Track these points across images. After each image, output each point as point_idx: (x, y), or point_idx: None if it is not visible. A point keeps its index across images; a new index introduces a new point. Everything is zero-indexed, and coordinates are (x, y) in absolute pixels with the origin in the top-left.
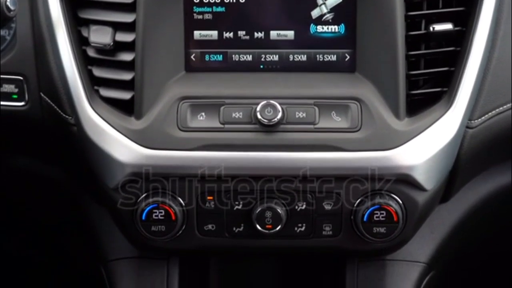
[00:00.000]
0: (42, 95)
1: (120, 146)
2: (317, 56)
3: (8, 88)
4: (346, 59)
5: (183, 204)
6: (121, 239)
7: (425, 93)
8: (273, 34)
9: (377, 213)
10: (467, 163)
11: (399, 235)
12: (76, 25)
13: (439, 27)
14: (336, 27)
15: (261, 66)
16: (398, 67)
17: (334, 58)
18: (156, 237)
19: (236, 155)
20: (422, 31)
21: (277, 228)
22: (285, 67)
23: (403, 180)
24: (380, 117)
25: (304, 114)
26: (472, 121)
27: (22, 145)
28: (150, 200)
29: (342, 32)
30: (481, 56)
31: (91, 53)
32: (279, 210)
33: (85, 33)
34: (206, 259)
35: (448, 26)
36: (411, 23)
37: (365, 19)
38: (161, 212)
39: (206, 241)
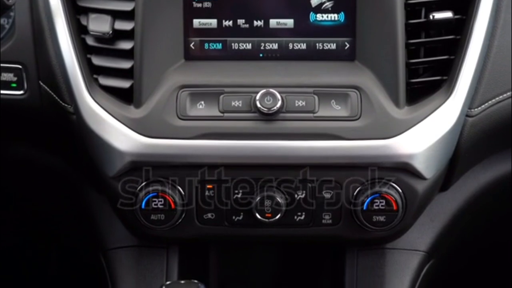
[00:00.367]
0: (41, 83)
1: (119, 135)
2: (317, 44)
3: (7, 76)
4: (346, 48)
5: (183, 192)
6: (121, 228)
7: (425, 82)
8: (273, 22)
9: (376, 202)
10: (467, 152)
11: (399, 223)
12: (75, 13)
13: (439, 15)
14: (335, 15)
15: (261, 55)
16: (398, 55)
17: (333, 46)
18: (156, 226)
19: (236, 143)
20: (422, 20)
21: (277, 217)
22: (285, 55)
23: (403, 169)
24: (380, 106)
25: (303, 103)
26: (472, 110)
27: (21, 134)
28: (150, 188)
29: (342, 21)
30: (481, 45)
31: (90, 41)
32: (278, 199)
33: (84, 22)
34: (206, 248)
35: (448, 14)
36: (411, 11)
37: (365, 7)
38: (161, 201)
39: (206, 230)
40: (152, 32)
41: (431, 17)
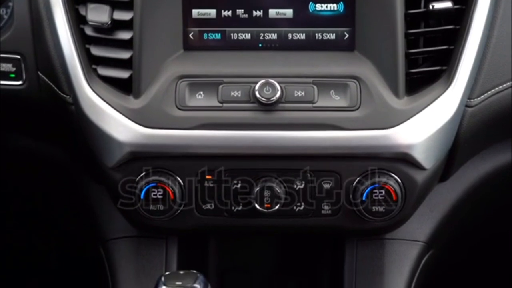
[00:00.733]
0: (40, 74)
1: (118, 125)
2: (316, 34)
3: (6, 67)
4: (345, 38)
5: (182, 183)
6: (120, 218)
7: (425, 72)
8: (272, 12)
9: (376, 192)
10: (466, 142)
11: (398, 214)
12: (74, 3)
13: (438, 5)
14: (335, 5)
15: (260, 45)
16: (397, 45)
17: (333, 36)
18: (155, 216)
19: (235, 134)
20: (422, 9)
21: (276, 207)
22: (284, 45)
23: (402, 159)
24: (379, 96)
25: (303, 93)
26: (472, 100)
27: (20, 124)
28: (149, 179)
29: (341, 11)
30: (481, 35)
31: (88, 31)
32: (277, 189)
33: (82, 12)
34: (205, 238)
35: (447, 4)
36: (410, 1)
37: None
38: (160, 191)
39: (205, 220)
40: (151, 22)
41: (430, 7)
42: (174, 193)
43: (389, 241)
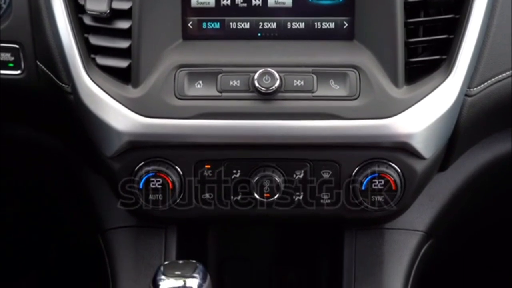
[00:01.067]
0: (39, 63)
1: (117, 115)
2: (315, 23)
3: (4, 56)
4: (345, 27)
5: (181, 172)
6: (119, 208)
7: (424, 61)
8: (271, 1)
9: (375, 182)
10: (466, 131)
11: (398, 203)
12: None
13: None
14: None
15: (259, 34)
16: (397, 34)
17: (332, 26)
18: (154, 206)
19: (234, 123)
20: None
21: (275, 197)
22: (283, 35)
23: (402, 148)
24: (379, 85)
25: (302, 82)
26: (471, 89)
27: (19, 114)
28: (148, 168)
29: (340, 0)
30: (481, 24)
31: (87, 21)
32: (277, 179)
33: (81, 1)
34: (204, 228)
35: None
36: None
37: None
38: (159, 181)
39: (204, 210)
40: (149, 11)
41: None
42: (173, 182)
43: (388, 230)
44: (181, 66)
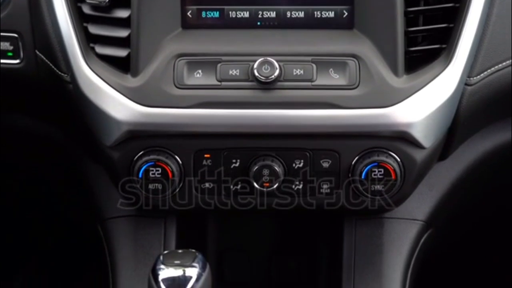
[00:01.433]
0: (37, 52)
1: (116, 104)
2: (315, 12)
3: (3, 45)
4: (344, 16)
5: (180, 162)
6: (118, 197)
7: (424, 50)
8: None
9: (375, 171)
10: (466, 121)
11: (397, 193)
12: None
13: None
14: None
15: (258, 23)
16: (397, 23)
17: (332, 14)
18: (153, 195)
19: (233, 112)
20: None
21: (275, 186)
22: (283, 24)
23: (401, 138)
24: (378, 74)
25: (301, 71)
26: (471, 78)
27: (18, 103)
28: (147, 158)
29: None
30: (480, 13)
31: (86, 10)
32: (276, 168)
33: None
34: (204, 217)
35: None
36: None
37: None
38: (158, 170)
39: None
40: (149, 0)
41: None
42: (172, 171)
43: (388, 220)
44: (181, 55)
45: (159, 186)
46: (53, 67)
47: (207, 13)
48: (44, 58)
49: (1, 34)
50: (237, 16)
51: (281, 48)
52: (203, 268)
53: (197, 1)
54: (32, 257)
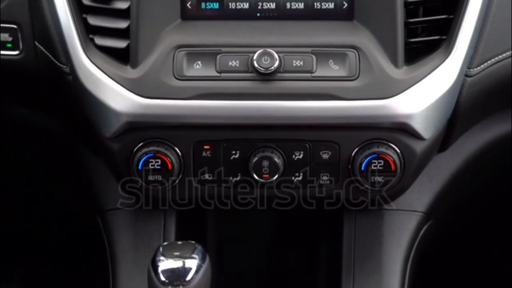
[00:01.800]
0: (37, 43)
1: (116, 95)
2: (315, 4)
3: (2, 37)
4: (344, 7)
5: (180, 153)
6: (118, 189)
7: (424, 41)
8: None
9: (374, 162)
10: (465, 112)
11: (397, 184)
12: None
13: None
14: None
15: (258, 14)
16: (397, 14)
17: (331, 6)
18: (153, 187)
19: (233, 104)
20: None
21: (274, 178)
22: (282, 15)
23: (401, 129)
24: (378, 66)
25: (301, 63)
26: (471, 69)
27: (17, 94)
28: (146, 149)
29: None
30: (481, 3)
31: (85, 1)
32: (276, 159)
33: None
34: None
35: None
36: None
37: None
38: (158, 162)
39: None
40: None
41: None
42: (172, 163)
43: (388, 211)
44: (180, 46)
45: (159, 177)
46: (52, 58)
47: (207, 4)
48: (44, 50)
49: (1, 25)
50: (237, 7)
51: (281, 40)
52: (202, 260)
53: None
54: (32, 248)
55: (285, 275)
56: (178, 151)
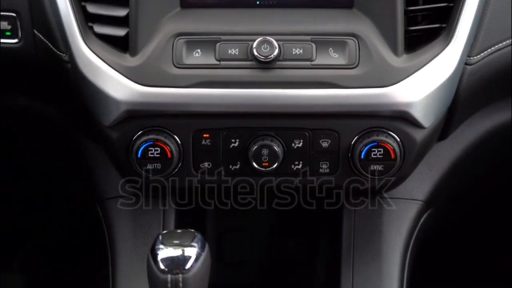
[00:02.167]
0: (36, 32)
1: (115, 83)
2: None
3: (1, 25)
4: None
5: (179, 141)
6: (117, 177)
7: (424, 29)
8: None
9: (374, 151)
10: (465, 100)
11: (397, 172)
12: None
13: None
14: None
15: (258, 2)
16: (397, 2)
17: None
18: (153, 176)
19: (232, 92)
20: None
21: (274, 166)
22: (282, 3)
23: (401, 117)
24: (378, 54)
25: (301, 51)
26: (471, 58)
27: (17, 83)
28: (146, 137)
29: None
30: None
31: None
32: (275, 148)
33: None
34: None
35: None
36: None
37: None
38: (157, 150)
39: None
40: None
41: None
42: (171, 151)
43: (387, 200)
44: (179, 34)
45: (158, 166)
46: (51, 46)
47: None
48: (43, 38)
49: (0, 13)
50: None
51: (281, 28)
52: (202, 248)
53: None
54: (31, 238)
55: (285, 264)
56: (177, 139)
